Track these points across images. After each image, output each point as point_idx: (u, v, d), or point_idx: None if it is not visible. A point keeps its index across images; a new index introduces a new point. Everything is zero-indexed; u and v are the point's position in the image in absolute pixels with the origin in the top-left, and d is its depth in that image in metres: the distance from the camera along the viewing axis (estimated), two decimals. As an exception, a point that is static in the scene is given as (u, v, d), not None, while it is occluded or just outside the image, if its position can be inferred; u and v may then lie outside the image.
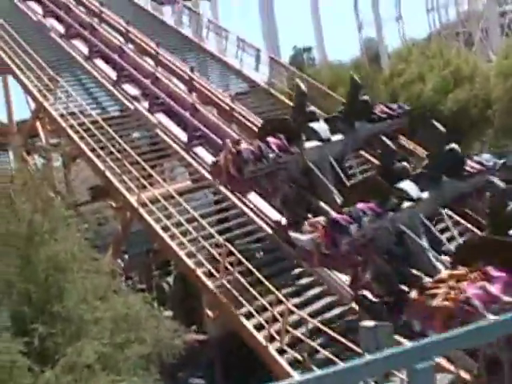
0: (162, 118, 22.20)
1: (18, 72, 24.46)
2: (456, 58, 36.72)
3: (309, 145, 18.57)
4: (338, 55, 49.80)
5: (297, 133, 18.37)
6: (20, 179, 15.65)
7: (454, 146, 18.34)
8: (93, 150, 20.23)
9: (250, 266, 16.05)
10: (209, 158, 20.02)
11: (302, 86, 19.86)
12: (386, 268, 15.69)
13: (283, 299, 14.92)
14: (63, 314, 12.78)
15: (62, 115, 21.91)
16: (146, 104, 22.75)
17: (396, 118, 21.77)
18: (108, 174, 19.45)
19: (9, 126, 29.82)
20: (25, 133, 25.93)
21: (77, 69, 25.51)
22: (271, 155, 17.43)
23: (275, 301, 14.94)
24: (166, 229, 17.58)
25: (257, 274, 15.82)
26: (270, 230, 18.47)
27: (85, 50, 26.67)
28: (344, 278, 16.77)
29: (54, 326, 12.25)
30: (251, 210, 19.06)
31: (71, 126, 21.20)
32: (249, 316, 15.29)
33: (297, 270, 17.36)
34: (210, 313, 16.38)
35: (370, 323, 14.41)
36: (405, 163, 18.31)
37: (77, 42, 27.23)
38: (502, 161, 20.06)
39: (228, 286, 15.72)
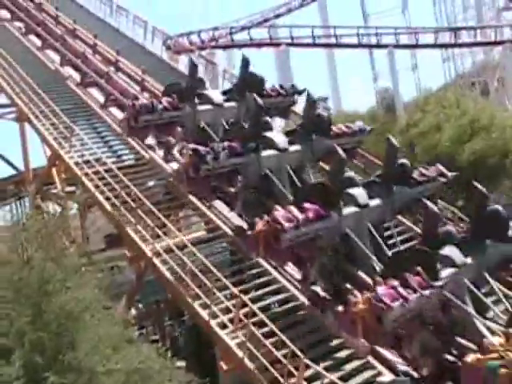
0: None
1: (34, 120, 24.61)
2: (473, 108, 36.59)
3: (346, 210, 18.34)
4: (353, 105, 49.95)
5: (335, 199, 18.10)
6: (33, 227, 15.53)
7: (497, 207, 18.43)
8: (108, 199, 20.13)
9: (264, 318, 15.77)
10: (226, 210, 20.05)
11: (342, 154, 19.65)
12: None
13: (298, 353, 14.57)
14: (75, 364, 12.56)
15: (77, 163, 21.89)
16: (160, 152, 22.58)
17: (434, 181, 21.89)
18: (122, 223, 19.29)
19: (25, 174, 29.93)
20: (41, 180, 25.96)
21: (92, 117, 25.57)
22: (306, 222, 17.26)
23: (290, 354, 14.59)
24: (179, 279, 17.33)
25: (271, 325, 15.53)
26: (286, 283, 18.11)
27: (100, 98, 26.76)
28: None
29: (65, 376, 12.05)
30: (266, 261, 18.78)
31: (86, 175, 21.16)
32: (264, 369, 14.91)
33: (312, 323, 16.99)
34: (224, 365, 15.99)
35: (387, 378, 14.22)
36: (449, 227, 18.49)
37: (93, 90, 27.36)
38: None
39: (243, 338, 15.40)
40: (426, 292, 15.85)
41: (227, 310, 16.41)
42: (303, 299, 17.55)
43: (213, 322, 16.18)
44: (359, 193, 18.97)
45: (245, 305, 15.95)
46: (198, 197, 20.62)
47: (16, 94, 26.15)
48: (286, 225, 16.66)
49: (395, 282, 15.70)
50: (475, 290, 17.07)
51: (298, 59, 56.35)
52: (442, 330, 16.05)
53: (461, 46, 56.82)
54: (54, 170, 25.98)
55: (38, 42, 33.41)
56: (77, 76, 29.00)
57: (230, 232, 19.36)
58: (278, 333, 15.25)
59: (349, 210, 18.43)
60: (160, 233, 18.53)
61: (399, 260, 16.80)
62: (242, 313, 15.81)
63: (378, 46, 55.42)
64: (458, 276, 16.83)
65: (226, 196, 20.65)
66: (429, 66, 67.44)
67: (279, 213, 17.06)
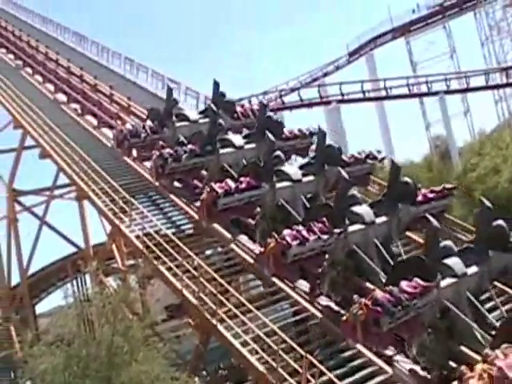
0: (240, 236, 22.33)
1: (94, 197, 25.24)
2: (529, 147, 36.31)
3: (352, 228, 19.37)
4: (407, 156, 49.77)
5: (340, 217, 19.29)
6: (98, 302, 15.92)
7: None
8: (169, 269, 20.44)
9: (332, 377, 15.69)
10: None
11: (345, 175, 20.45)
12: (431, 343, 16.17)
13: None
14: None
15: (137, 237, 22.30)
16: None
17: (440, 199, 23.00)
18: (185, 292, 19.53)
19: (85, 250, 30.64)
20: (101, 256, 26.42)
21: (149, 189, 26.05)
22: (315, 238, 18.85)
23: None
24: (244, 344, 17.40)
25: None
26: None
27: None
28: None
29: None
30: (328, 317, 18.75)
31: (147, 247, 21.53)
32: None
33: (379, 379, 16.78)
34: (294, 428, 15.85)
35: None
36: (449, 241, 18.69)
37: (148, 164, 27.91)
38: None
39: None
40: (325, 236, 18.58)
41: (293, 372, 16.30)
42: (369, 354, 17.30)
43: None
44: (364, 211, 19.99)
45: (312, 365, 15.85)
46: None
47: (75, 173, 26.87)
48: (293, 242, 18.46)
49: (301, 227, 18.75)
50: (475, 301, 17.38)
51: (348, 115, 56.82)
52: (439, 334, 16.47)
53: (512, 85, 56.51)
54: (113, 245, 26.55)
55: (94, 121, 34.46)
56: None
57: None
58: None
59: (354, 227, 19.44)
60: (223, 299, 18.66)
61: (400, 269, 17.10)
62: (310, 373, 15.71)
63: (429, 93, 55.45)
64: (458, 286, 17.22)
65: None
66: (481, 109, 66.76)
67: (287, 232, 18.81)
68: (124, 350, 15.51)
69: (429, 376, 16.45)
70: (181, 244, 21.13)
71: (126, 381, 15.16)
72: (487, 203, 19.48)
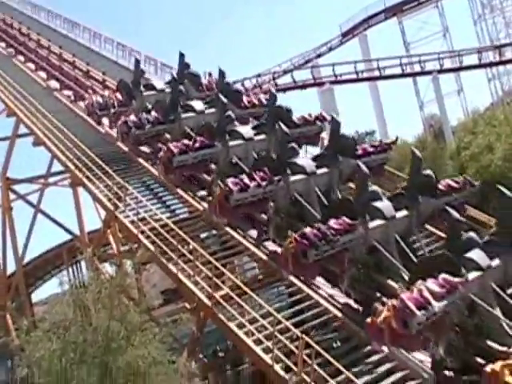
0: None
1: (87, 183, 25.23)
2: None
3: (373, 224, 19.02)
4: (401, 135, 49.80)
5: (360, 213, 18.87)
6: (94, 288, 15.94)
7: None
8: (165, 254, 20.48)
9: (328, 357, 15.76)
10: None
11: (364, 169, 19.95)
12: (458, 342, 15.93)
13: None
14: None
15: (132, 222, 22.34)
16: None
17: (461, 191, 22.39)
18: (181, 276, 19.59)
19: (80, 237, 30.60)
20: (96, 242, 26.43)
21: (144, 175, 26.06)
22: (334, 237, 18.19)
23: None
24: (240, 326, 17.50)
25: (336, 364, 15.52)
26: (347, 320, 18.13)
27: (151, 155, 27.22)
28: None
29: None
30: (325, 299, 18.82)
31: (142, 232, 21.56)
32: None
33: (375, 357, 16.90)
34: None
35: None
36: (472, 233, 18.42)
37: (145, 148, 27.89)
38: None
39: (307, 379, 15.40)
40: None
41: (290, 353, 16.39)
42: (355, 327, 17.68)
43: (277, 367, 16.24)
44: (385, 206, 19.62)
45: (308, 346, 15.94)
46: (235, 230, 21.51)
47: (69, 159, 26.79)
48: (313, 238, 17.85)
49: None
50: (501, 293, 17.02)
51: (342, 95, 56.79)
52: (467, 332, 16.25)
53: (506, 62, 56.40)
54: (108, 231, 26.55)
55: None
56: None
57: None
58: (343, 369, 15.32)
59: (375, 222, 19.08)
60: (219, 282, 18.73)
61: (424, 266, 16.99)
62: (305, 353, 15.78)
63: (422, 73, 55.33)
64: (483, 279, 16.87)
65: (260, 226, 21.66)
66: (474, 88, 66.78)
67: (308, 230, 18.21)
68: (120, 336, 15.53)
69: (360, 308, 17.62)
70: (176, 228, 21.20)
71: (123, 365, 15.19)
72: (418, 154, 21.01)
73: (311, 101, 54.34)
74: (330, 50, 61.58)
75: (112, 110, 29.47)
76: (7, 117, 34.83)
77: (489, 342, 15.90)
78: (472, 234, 18.26)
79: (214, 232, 22.48)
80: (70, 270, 39.25)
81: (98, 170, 25.28)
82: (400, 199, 20.54)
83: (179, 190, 24.37)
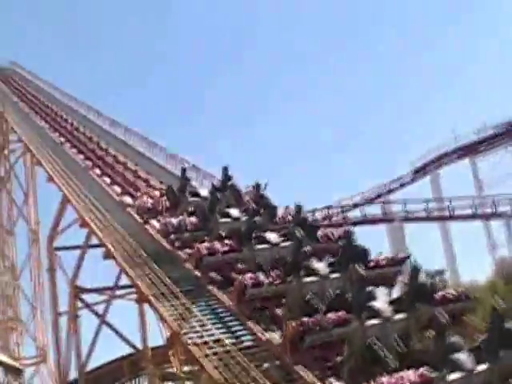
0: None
1: (153, 301, 25.19)
2: None
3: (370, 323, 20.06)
4: (471, 277, 49.00)
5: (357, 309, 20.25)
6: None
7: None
8: (226, 380, 20.02)
9: None
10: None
11: (441, 317, 20.71)
12: None
13: None
14: None
15: (196, 344, 22.04)
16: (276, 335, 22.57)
17: (460, 301, 22.97)
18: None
19: (143, 352, 30.46)
20: (158, 359, 26.18)
21: (211, 298, 25.90)
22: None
23: None
24: None
25: None
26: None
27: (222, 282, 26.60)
28: None
29: None
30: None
31: (206, 356, 21.23)
32: None
33: None
34: None
35: None
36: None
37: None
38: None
39: None
40: None
41: None
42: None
43: None
44: (383, 307, 20.70)
45: None
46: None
47: (138, 276, 26.95)
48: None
49: None
50: None
51: (411, 231, 56.34)
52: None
53: None
54: (171, 351, 26.28)
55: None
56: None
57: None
58: None
59: (372, 321, 20.10)
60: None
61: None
62: None
63: (494, 215, 54.81)
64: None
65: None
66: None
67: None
68: None
69: None
70: (240, 355, 20.87)
71: None
72: (417, 264, 22.71)
73: (379, 236, 54.10)
74: (402, 186, 61.81)
75: (186, 234, 29.48)
76: (80, 227, 35.69)
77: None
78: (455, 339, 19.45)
79: (277, 363, 21.95)
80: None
81: (164, 289, 25.34)
82: (479, 352, 19.67)
83: (249, 322, 23.81)
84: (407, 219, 52.46)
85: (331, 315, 21.12)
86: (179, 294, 24.91)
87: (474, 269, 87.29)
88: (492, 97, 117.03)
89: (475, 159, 63.56)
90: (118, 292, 36.68)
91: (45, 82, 77.21)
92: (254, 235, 27.81)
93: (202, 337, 22.15)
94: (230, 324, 24.43)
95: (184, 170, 35.46)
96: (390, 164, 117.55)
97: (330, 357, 21.26)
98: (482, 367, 19.23)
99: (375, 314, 21.31)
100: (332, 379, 20.56)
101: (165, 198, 33.03)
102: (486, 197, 56.95)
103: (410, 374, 17.97)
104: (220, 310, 25.14)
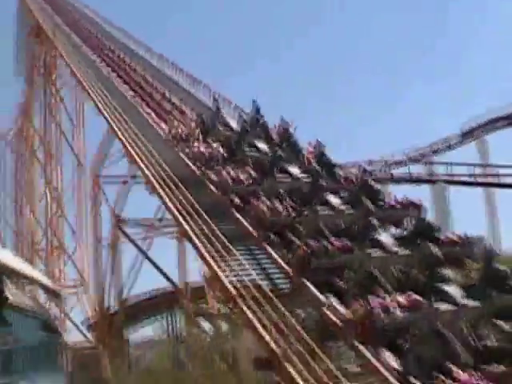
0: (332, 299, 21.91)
1: (194, 238, 25.58)
2: None
3: (441, 306, 19.77)
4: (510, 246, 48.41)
5: (428, 292, 19.82)
6: (191, 343, 16.02)
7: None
8: (260, 321, 20.34)
9: None
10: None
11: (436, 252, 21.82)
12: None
13: None
14: None
15: (232, 284, 22.37)
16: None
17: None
18: (274, 346, 19.37)
19: (181, 288, 30.95)
20: (195, 296, 26.51)
21: (250, 244, 25.98)
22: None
23: None
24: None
25: None
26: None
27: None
28: None
29: None
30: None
31: (241, 296, 21.55)
32: None
33: None
34: None
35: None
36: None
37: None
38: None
39: None
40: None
41: None
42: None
43: None
44: (455, 292, 20.34)
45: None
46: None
47: (180, 212, 27.31)
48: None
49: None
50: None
51: (455, 194, 55.66)
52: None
53: None
54: (208, 289, 26.68)
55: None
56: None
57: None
58: None
59: (444, 306, 19.75)
60: (311, 360, 18.43)
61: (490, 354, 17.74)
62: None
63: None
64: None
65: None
66: None
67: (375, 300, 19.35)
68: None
69: None
70: (274, 298, 21.11)
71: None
72: (491, 248, 23.07)
73: (423, 195, 53.52)
74: (449, 148, 60.87)
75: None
76: (129, 163, 35.97)
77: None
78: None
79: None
80: (168, 318, 39.66)
81: (206, 228, 25.58)
82: (471, 290, 20.81)
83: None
84: (451, 182, 51.80)
85: (336, 242, 22.29)
86: (221, 235, 25.10)
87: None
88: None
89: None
90: (160, 226, 37.05)
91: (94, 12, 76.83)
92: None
93: (239, 277, 22.36)
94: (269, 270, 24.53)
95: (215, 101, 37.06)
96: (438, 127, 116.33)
97: (334, 281, 22.02)
98: (473, 303, 20.24)
99: (448, 299, 20.88)
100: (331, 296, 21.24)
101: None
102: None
103: (401, 297, 19.30)
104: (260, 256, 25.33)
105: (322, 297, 21.87)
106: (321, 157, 30.78)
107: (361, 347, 19.31)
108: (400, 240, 24.83)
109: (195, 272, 33.41)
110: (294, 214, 25.82)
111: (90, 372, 29.22)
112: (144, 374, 15.08)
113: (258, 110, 35.38)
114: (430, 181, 52.75)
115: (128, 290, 37.10)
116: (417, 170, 54.40)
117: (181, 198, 28.06)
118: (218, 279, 23.67)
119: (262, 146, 30.18)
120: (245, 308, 21.13)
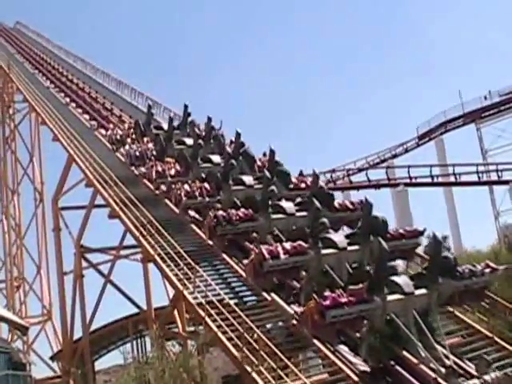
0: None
1: (158, 260, 25.48)
2: None
3: (391, 297, 20.34)
4: (474, 243, 49.06)
5: (378, 285, 20.24)
6: (158, 366, 15.88)
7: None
8: (230, 340, 20.29)
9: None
10: (351, 357, 20.08)
11: (384, 245, 21.36)
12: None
13: None
14: None
15: (200, 304, 22.26)
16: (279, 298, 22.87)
17: (481, 276, 23.02)
18: (245, 364, 19.28)
19: (147, 312, 30.73)
20: (163, 319, 26.44)
21: (215, 259, 26.01)
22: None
23: None
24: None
25: None
26: None
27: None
28: None
29: None
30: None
31: (209, 315, 21.46)
32: None
33: None
34: None
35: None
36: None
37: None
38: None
39: None
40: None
41: None
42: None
43: None
44: (405, 281, 20.88)
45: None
46: (322, 341, 20.49)
47: (142, 235, 27.16)
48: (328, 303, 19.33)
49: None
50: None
51: (415, 198, 56.25)
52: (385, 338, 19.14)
53: None
54: (175, 310, 26.53)
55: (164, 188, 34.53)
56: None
57: (353, 375, 19.07)
58: None
59: (393, 296, 20.39)
60: (282, 374, 18.39)
61: None
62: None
63: (499, 182, 54.39)
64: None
65: (350, 341, 20.82)
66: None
67: (327, 294, 19.89)
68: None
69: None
70: (243, 315, 21.05)
71: None
72: (438, 236, 22.83)
73: (385, 201, 53.91)
74: (406, 151, 61.63)
75: (199, 199, 29.78)
76: (86, 187, 35.73)
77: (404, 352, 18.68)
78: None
79: (280, 324, 22.12)
80: (135, 343, 39.35)
81: (170, 249, 25.52)
82: (421, 279, 21.56)
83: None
84: (411, 184, 52.21)
85: (290, 244, 23.12)
86: (184, 254, 25.07)
87: (477, 237, 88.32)
88: (500, 64, 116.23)
89: (480, 125, 63.04)
90: (123, 252, 36.88)
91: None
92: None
93: (206, 296, 22.30)
94: (234, 285, 24.56)
95: (229, 155, 32.90)
96: (395, 129, 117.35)
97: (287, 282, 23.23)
98: (421, 291, 20.94)
99: (397, 289, 21.13)
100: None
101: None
102: (491, 164, 56.54)
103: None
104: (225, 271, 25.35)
105: (290, 310, 21.96)
106: (273, 164, 30.92)
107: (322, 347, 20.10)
108: (352, 237, 25.18)
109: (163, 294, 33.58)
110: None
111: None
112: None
113: (188, 114, 38.11)
114: (390, 185, 53.19)
115: (94, 317, 36.69)
116: (378, 175, 54.82)
117: (144, 221, 27.83)
118: (185, 301, 23.58)
119: (290, 208, 27.81)
120: (213, 326, 21.02)
